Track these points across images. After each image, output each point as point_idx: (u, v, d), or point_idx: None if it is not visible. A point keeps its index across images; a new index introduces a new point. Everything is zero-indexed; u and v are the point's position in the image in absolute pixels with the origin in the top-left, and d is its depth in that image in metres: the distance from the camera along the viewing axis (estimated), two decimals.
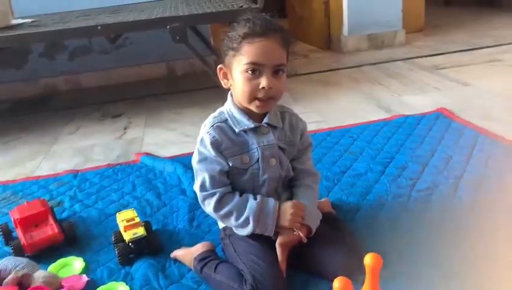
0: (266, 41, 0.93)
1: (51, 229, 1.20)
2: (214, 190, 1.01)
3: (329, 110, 2.10)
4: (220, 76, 1.03)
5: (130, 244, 1.12)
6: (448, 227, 1.14)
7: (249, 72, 0.93)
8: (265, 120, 1.02)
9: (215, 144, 1.00)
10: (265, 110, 1.00)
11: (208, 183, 1.01)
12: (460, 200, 1.26)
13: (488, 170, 1.40)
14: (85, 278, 1.06)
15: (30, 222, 1.22)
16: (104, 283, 1.06)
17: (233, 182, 1.04)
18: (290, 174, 1.09)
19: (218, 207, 1.01)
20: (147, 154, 1.75)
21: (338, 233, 1.07)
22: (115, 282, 1.06)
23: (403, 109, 1.99)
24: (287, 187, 1.11)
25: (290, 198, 1.07)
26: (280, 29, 0.96)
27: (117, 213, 1.22)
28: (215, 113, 1.05)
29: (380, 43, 3.22)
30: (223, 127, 1.01)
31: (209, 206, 1.02)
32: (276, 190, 1.07)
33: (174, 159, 1.69)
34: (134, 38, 2.85)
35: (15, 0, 2.33)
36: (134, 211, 1.22)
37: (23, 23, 2.30)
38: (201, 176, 1.02)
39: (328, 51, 3.34)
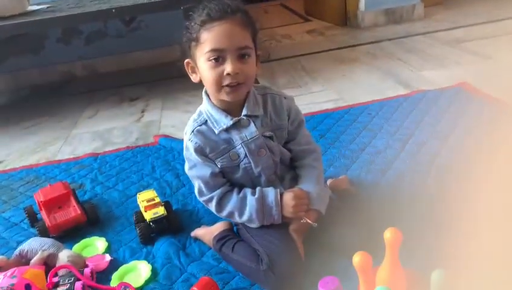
0: (225, 24, 0.89)
1: (73, 211, 1.23)
2: (211, 194, 1.00)
3: (347, 88, 2.07)
4: (189, 71, 1.00)
5: (151, 223, 1.14)
6: (468, 202, 1.12)
7: (212, 60, 0.89)
8: (243, 112, 0.98)
9: (199, 150, 0.98)
10: (238, 97, 0.95)
11: (203, 189, 1.01)
12: (482, 174, 1.23)
13: (509, 143, 1.36)
14: (108, 257, 1.09)
15: (53, 204, 1.25)
16: (126, 262, 1.08)
17: (229, 179, 1.03)
18: (287, 156, 1.06)
19: (219, 209, 1.02)
20: (165, 136, 1.76)
21: (355, 210, 1.06)
22: (137, 261, 1.08)
23: (422, 84, 1.95)
24: (289, 167, 1.08)
25: (295, 177, 1.06)
26: (239, 9, 0.91)
27: (137, 194, 1.24)
28: (195, 115, 1.03)
29: (398, 17, 3.14)
30: (203, 131, 0.99)
31: (212, 209, 1.03)
32: (276, 173, 1.04)
33: None
34: (149, 21, 2.84)
35: None
36: (154, 191, 1.24)
37: (39, 9, 2.31)
38: (196, 182, 1.02)
39: (345, 27, 3.27)
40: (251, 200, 0.98)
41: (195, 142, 0.98)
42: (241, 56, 0.91)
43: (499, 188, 1.16)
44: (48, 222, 1.20)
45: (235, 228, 1.12)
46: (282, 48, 2.96)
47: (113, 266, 1.07)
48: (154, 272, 1.04)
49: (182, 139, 1.68)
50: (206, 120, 0.99)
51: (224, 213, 1.01)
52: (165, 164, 1.54)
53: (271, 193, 0.99)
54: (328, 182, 1.23)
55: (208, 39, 0.89)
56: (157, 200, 1.19)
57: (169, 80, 2.61)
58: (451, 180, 1.23)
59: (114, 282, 1.02)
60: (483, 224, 1.02)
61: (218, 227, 1.10)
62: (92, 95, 2.51)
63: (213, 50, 0.89)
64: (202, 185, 1.01)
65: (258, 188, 1.00)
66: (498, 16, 2.88)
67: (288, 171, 1.07)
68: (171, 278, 1.01)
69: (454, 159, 1.32)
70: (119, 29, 2.84)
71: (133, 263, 1.08)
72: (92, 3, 2.28)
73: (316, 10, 3.60)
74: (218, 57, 0.89)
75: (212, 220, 1.16)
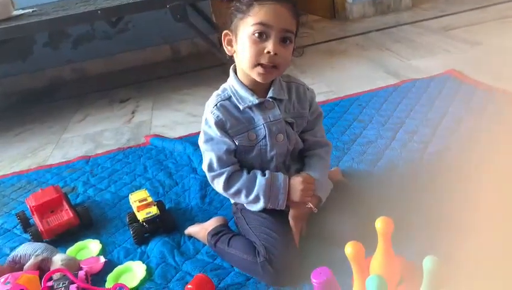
0: (277, 4, 0.90)
1: (66, 214, 1.22)
2: (221, 170, 0.99)
3: (337, 80, 2.07)
4: (224, 43, 0.98)
5: (144, 223, 1.13)
6: (461, 188, 1.13)
7: (256, 34, 0.89)
8: (269, 94, 0.98)
9: (220, 124, 0.97)
10: (267, 79, 0.95)
11: (215, 164, 0.99)
12: (473, 160, 1.23)
13: (501, 128, 1.37)
14: (102, 259, 1.08)
15: (46, 208, 1.24)
16: (121, 263, 1.08)
17: (240, 159, 1.02)
18: (299, 147, 1.06)
19: (227, 186, 1.00)
20: (156, 136, 1.76)
21: (348, 201, 1.06)
22: (131, 261, 1.08)
23: (412, 73, 1.95)
24: (297, 159, 1.08)
25: (300, 170, 1.05)
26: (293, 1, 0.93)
27: (129, 194, 1.24)
28: (219, 91, 1.02)
29: (386, 7, 3.14)
30: (226, 106, 0.98)
31: (218, 186, 1.01)
32: (285, 163, 1.05)
33: (183, 139, 1.69)
34: (136, 22, 2.83)
35: None
36: (146, 191, 1.23)
37: (24, 13, 2.29)
38: (208, 156, 1.00)
39: (333, 19, 3.27)
40: (261, 180, 0.98)
41: (217, 116, 0.97)
42: (283, 39, 0.91)
43: (490, 174, 1.17)
44: (40, 227, 1.19)
45: (230, 222, 1.12)
46: None
47: (108, 267, 1.07)
48: (149, 272, 1.03)
49: (173, 139, 1.70)
50: (230, 96, 0.99)
51: (232, 190, 1.00)
52: (157, 163, 1.54)
53: (280, 176, 0.99)
54: None
55: (258, 13, 0.89)
56: (150, 200, 1.18)
57: (159, 79, 2.61)
58: (443, 167, 1.23)
59: (109, 283, 1.01)
60: (475, 210, 1.03)
61: (212, 223, 1.10)
62: (82, 99, 2.50)
63: (260, 23, 0.89)
64: (215, 160, 0.99)
65: (267, 171, 1.00)
66: (484, 1, 2.88)
67: (295, 163, 1.08)
68: (166, 277, 1.01)
69: (445, 146, 1.32)
70: (107, 31, 2.82)
71: (128, 264, 1.07)
72: (78, 5, 2.27)
73: (305, 4, 3.58)
74: (262, 33, 0.89)
75: (206, 217, 1.16)
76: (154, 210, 1.14)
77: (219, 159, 0.98)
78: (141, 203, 1.16)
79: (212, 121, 0.97)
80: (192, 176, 1.41)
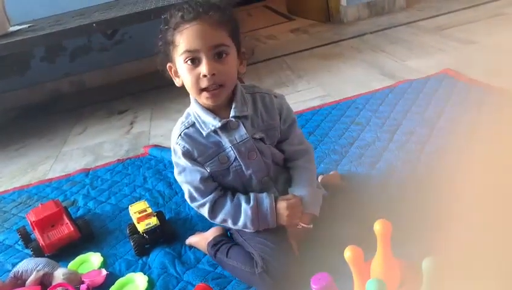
0: (196, 25, 0.87)
1: (66, 228, 1.22)
2: (203, 200, 0.98)
3: (333, 83, 2.07)
4: (172, 75, 0.98)
5: (145, 235, 1.14)
6: (459, 188, 1.13)
7: (188, 62, 0.88)
8: (231, 113, 0.94)
9: (187, 154, 0.96)
10: (217, 101, 0.92)
11: (194, 194, 0.98)
12: (471, 159, 1.24)
13: (497, 126, 1.37)
14: (104, 272, 1.08)
15: (46, 223, 1.25)
16: (123, 275, 1.08)
17: (220, 182, 1.00)
18: (280, 157, 1.03)
19: (212, 215, 0.99)
20: (155, 146, 1.76)
21: (348, 205, 1.06)
22: (133, 273, 1.08)
23: (407, 74, 1.95)
24: (283, 167, 1.06)
25: (289, 179, 1.04)
26: (211, 8, 0.89)
27: (129, 206, 1.24)
28: (183, 118, 1.00)
29: (380, 9, 3.15)
30: (190, 134, 0.96)
31: (204, 214, 1.01)
32: (269, 175, 1.01)
33: None
34: (133, 33, 2.84)
35: (10, 7, 2.34)
36: (146, 202, 1.24)
37: (20, 29, 2.30)
38: (185, 188, 0.99)
39: (328, 23, 3.28)
40: (245, 209, 0.96)
41: (183, 146, 0.95)
42: (217, 55, 0.88)
43: (489, 172, 1.17)
44: (41, 242, 1.19)
45: (228, 233, 1.12)
46: (267, 48, 2.96)
47: (110, 280, 1.07)
48: (151, 283, 1.04)
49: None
50: (194, 122, 0.96)
51: (218, 220, 0.99)
52: (156, 173, 1.54)
53: (266, 200, 0.96)
54: (319, 178, 1.23)
55: (182, 41, 0.88)
56: (149, 210, 1.18)
57: (157, 89, 2.61)
58: (441, 167, 1.23)
59: None
60: (474, 210, 1.03)
61: (212, 232, 1.10)
62: (81, 111, 2.51)
63: (186, 51, 0.88)
64: (192, 191, 0.98)
65: (252, 195, 0.97)
66: (477, 0, 2.89)
67: (282, 172, 1.05)
68: (168, 288, 1.01)
69: (442, 146, 1.33)
70: (103, 42, 2.83)
71: (130, 276, 1.07)
72: (73, 19, 2.28)
73: (299, 9, 3.60)
74: (193, 59, 0.88)
75: (207, 226, 1.16)
76: (154, 221, 1.14)
77: (196, 189, 0.97)
78: (141, 215, 1.16)
79: (179, 152, 0.96)
80: None
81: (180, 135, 0.96)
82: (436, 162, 1.26)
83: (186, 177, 0.98)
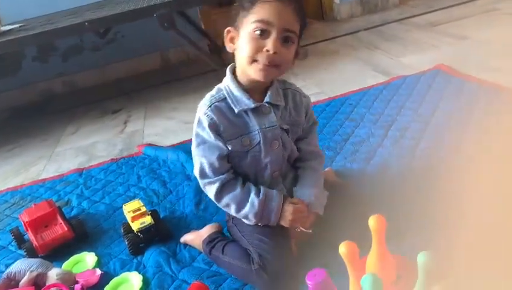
0: (280, 3, 0.88)
1: (60, 228, 1.21)
2: (214, 178, 0.96)
3: (327, 80, 2.07)
4: (227, 39, 0.96)
5: (139, 234, 1.13)
6: (454, 183, 1.13)
7: (257, 31, 0.87)
8: (266, 98, 0.95)
9: (214, 126, 0.93)
10: (266, 77, 0.91)
11: (207, 170, 0.95)
12: (464, 153, 1.24)
13: (491, 120, 1.37)
14: (98, 271, 1.08)
15: (39, 223, 1.24)
16: (117, 275, 1.07)
17: (234, 165, 0.98)
18: (295, 155, 1.04)
19: (218, 196, 0.97)
20: (149, 145, 1.75)
21: (343, 201, 1.05)
22: (128, 272, 1.07)
23: (401, 70, 1.95)
24: (292, 166, 1.07)
25: (295, 178, 1.05)
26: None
27: (123, 205, 1.23)
28: (213, 92, 0.98)
29: (373, 6, 3.15)
30: (221, 107, 0.94)
31: (210, 193, 0.99)
32: (281, 170, 1.02)
33: (176, 146, 1.69)
34: (125, 32, 2.82)
35: (1, 7, 2.32)
36: (140, 201, 1.23)
37: (11, 28, 2.28)
38: (200, 161, 0.96)
39: (322, 21, 3.28)
40: (253, 200, 0.94)
41: (211, 117, 0.93)
42: (285, 39, 0.89)
43: (483, 167, 1.17)
44: (35, 242, 1.18)
45: (225, 229, 1.11)
46: None
47: (105, 279, 1.06)
48: (146, 282, 1.03)
49: (166, 147, 1.69)
50: (226, 98, 0.95)
51: (223, 202, 0.97)
52: (150, 172, 1.53)
53: (276, 198, 0.96)
54: None
55: (260, 10, 0.88)
56: (143, 209, 1.17)
57: (150, 88, 2.60)
58: (435, 162, 1.23)
59: None
60: (468, 205, 1.03)
61: (208, 230, 1.10)
62: (74, 111, 2.49)
63: (261, 21, 0.87)
64: (206, 166, 0.95)
65: (262, 189, 0.96)
66: None
67: (291, 170, 1.06)
68: (163, 287, 1.00)
69: (437, 141, 1.33)
70: (96, 42, 2.82)
71: (124, 275, 1.06)
72: (65, 18, 2.26)
73: None
74: (263, 31, 0.87)
75: (201, 224, 1.16)
76: (148, 220, 1.14)
77: (211, 165, 0.95)
78: (135, 214, 1.16)
79: (205, 123, 0.94)
80: (186, 183, 1.41)
81: (210, 106, 0.94)
82: (431, 157, 1.26)
83: (205, 151, 0.95)
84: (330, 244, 0.94)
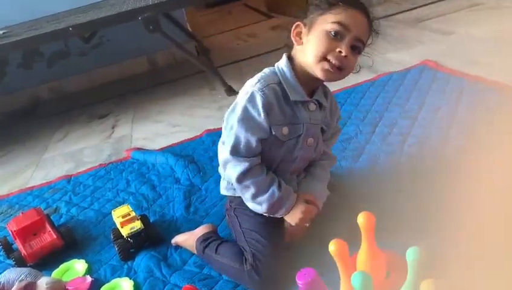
0: (361, 15, 0.91)
1: (49, 236, 1.20)
2: (245, 158, 0.93)
3: None
4: (293, 33, 0.96)
5: (129, 239, 1.12)
6: (441, 177, 1.14)
7: (332, 32, 0.89)
8: (316, 96, 0.98)
9: (267, 106, 0.91)
10: (330, 78, 0.93)
11: (242, 147, 0.92)
12: (452, 148, 1.25)
13: (477, 114, 1.39)
14: (89, 278, 1.07)
15: (28, 232, 1.22)
16: (108, 281, 1.06)
17: (264, 151, 0.96)
18: (318, 157, 1.07)
19: (241, 177, 0.94)
20: (137, 149, 1.74)
21: (332, 199, 1.06)
22: (118, 278, 1.06)
23: (387, 67, 1.96)
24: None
25: (306, 175, 1.06)
26: (372, 16, 0.95)
27: (112, 211, 1.22)
28: (267, 72, 0.97)
29: None
30: (277, 91, 0.93)
31: (232, 171, 0.94)
32: (302, 168, 1.05)
33: (164, 150, 1.68)
34: (111, 36, 2.80)
35: None
36: (129, 206, 1.22)
37: None
38: (237, 135, 0.92)
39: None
40: (274, 192, 0.94)
41: (267, 96, 0.91)
42: (353, 47, 0.91)
43: (470, 161, 1.18)
44: (23, 251, 1.17)
45: (220, 227, 1.12)
46: (249, 47, 2.95)
47: (95, 286, 1.05)
48: (137, 288, 1.02)
49: (154, 150, 1.68)
50: (280, 82, 0.95)
51: (244, 183, 0.94)
52: (139, 177, 1.52)
53: (292, 196, 0.97)
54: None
55: (341, 14, 0.89)
56: (133, 214, 1.17)
57: (137, 92, 2.59)
58: (423, 157, 1.24)
59: None
60: (456, 199, 1.03)
61: (202, 229, 1.09)
62: (61, 117, 2.46)
63: (340, 23, 0.89)
64: (243, 142, 0.92)
65: (282, 184, 0.96)
66: None
67: (304, 170, 1.08)
68: None
69: (424, 136, 1.33)
70: (81, 47, 2.79)
71: (115, 281, 1.06)
72: (49, 23, 2.24)
73: (278, 6, 3.60)
74: (338, 33, 0.89)
75: (192, 227, 1.15)
76: (138, 225, 1.13)
77: (248, 143, 0.92)
78: (124, 219, 1.15)
79: (259, 101, 0.91)
80: (176, 187, 1.40)
81: (268, 85, 0.92)
82: (419, 153, 1.26)
83: (247, 127, 0.92)
84: (320, 243, 0.95)
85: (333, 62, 0.89)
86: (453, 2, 2.73)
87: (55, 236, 1.19)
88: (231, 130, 0.94)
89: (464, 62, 1.79)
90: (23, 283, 1.03)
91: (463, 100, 1.49)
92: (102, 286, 1.05)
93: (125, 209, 1.19)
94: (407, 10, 2.82)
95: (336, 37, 0.89)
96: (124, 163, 1.66)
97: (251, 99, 0.92)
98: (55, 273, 1.14)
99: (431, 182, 1.12)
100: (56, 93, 2.89)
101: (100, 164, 1.70)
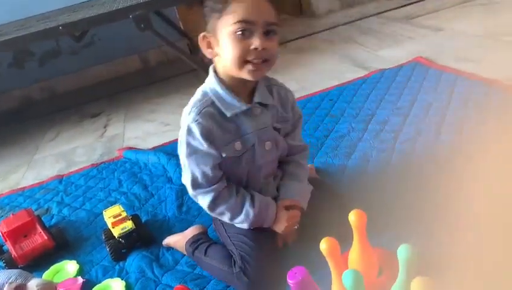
0: None
1: (40, 237, 1.19)
2: (207, 188, 0.92)
3: (307, 76, 2.07)
4: (204, 46, 0.90)
5: (121, 239, 1.11)
6: (433, 173, 1.14)
7: (239, 32, 0.83)
8: (256, 99, 0.91)
9: (206, 134, 0.88)
10: (259, 75, 0.88)
11: (200, 180, 0.91)
12: (443, 144, 1.25)
13: (468, 110, 1.39)
14: (80, 279, 1.06)
15: (18, 233, 1.21)
16: (99, 282, 1.06)
17: (226, 171, 0.94)
18: (285, 153, 1.03)
19: (212, 206, 0.94)
20: (129, 148, 1.73)
21: (324, 197, 1.05)
22: (110, 279, 1.06)
23: (379, 64, 1.96)
24: (279, 164, 1.04)
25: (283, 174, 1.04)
26: None
27: (103, 211, 1.21)
28: (198, 96, 0.92)
29: (351, 1, 3.16)
30: (211, 113, 0.89)
31: (202, 203, 0.95)
32: (273, 171, 1.01)
33: (156, 149, 1.67)
34: (102, 34, 2.78)
35: None
36: (121, 206, 1.21)
37: None
38: (191, 171, 0.92)
39: (300, 16, 3.28)
40: (248, 211, 0.93)
41: (203, 125, 0.87)
42: (267, 33, 0.84)
43: (461, 158, 1.18)
44: (14, 253, 1.16)
45: (210, 228, 1.10)
46: None
47: (87, 287, 1.05)
48: (129, 288, 1.01)
49: (146, 150, 1.67)
50: (214, 102, 0.90)
51: (217, 211, 0.94)
52: (131, 176, 1.51)
53: (271, 207, 0.95)
54: None
55: (237, 9, 0.83)
56: (124, 214, 1.16)
57: (129, 91, 2.57)
58: (415, 154, 1.24)
59: None
60: (448, 196, 1.04)
61: (192, 231, 1.08)
62: (53, 117, 2.45)
63: (242, 21, 0.82)
64: (199, 176, 0.91)
65: (257, 198, 0.94)
66: None
67: (278, 168, 1.04)
68: None
69: (416, 133, 1.34)
70: (72, 46, 2.77)
71: (106, 282, 1.05)
72: (39, 22, 2.22)
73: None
74: (245, 30, 0.83)
75: (184, 227, 1.14)
76: (129, 225, 1.12)
77: (204, 174, 0.91)
78: (116, 219, 1.14)
79: (197, 132, 0.88)
80: (168, 186, 1.39)
81: (200, 112, 0.88)
82: (411, 150, 1.27)
83: (198, 160, 0.90)
84: (311, 241, 0.94)
85: (255, 61, 0.84)
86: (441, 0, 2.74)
87: (46, 237, 1.18)
88: (185, 167, 0.93)
89: (455, 58, 1.79)
90: (13, 285, 1.02)
91: (454, 97, 1.49)
92: (93, 286, 1.04)
93: (116, 209, 1.19)
94: (399, 7, 2.82)
95: (244, 35, 0.83)
96: (116, 162, 1.65)
97: (189, 132, 0.90)
98: (46, 274, 1.13)
99: (423, 180, 1.12)
100: (48, 93, 2.87)
101: (92, 164, 1.69)
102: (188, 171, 0.92)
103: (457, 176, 1.10)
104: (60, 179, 1.63)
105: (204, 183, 0.92)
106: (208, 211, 0.96)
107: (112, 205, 1.31)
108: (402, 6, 2.81)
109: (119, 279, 1.04)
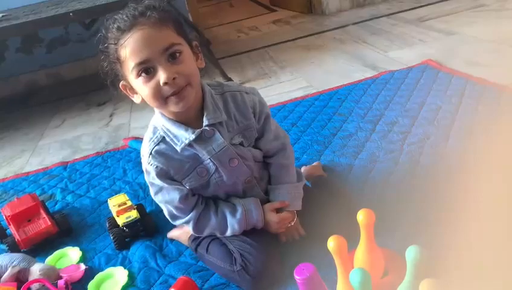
0: (138, 31, 0.77)
1: (43, 223, 1.19)
2: (185, 218, 0.93)
3: (315, 74, 2.06)
4: (128, 93, 0.87)
5: (125, 228, 1.11)
6: (441, 177, 1.13)
7: (142, 74, 0.78)
8: (204, 122, 0.85)
9: (162, 174, 0.87)
10: (188, 103, 0.81)
11: (175, 213, 0.93)
12: (452, 149, 1.24)
13: (478, 115, 1.38)
14: (83, 266, 1.06)
15: (22, 218, 1.21)
16: (102, 270, 1.06)
17: (203, 194, 0.95)
18: (260, 157, 0.98)
19: (197, 231, 0.96)
20: (135, 138, 1.72)
21: (331, 195, 1.05)
22: (113, 267, 1.05)
23: (389, 65, 1.96)
24: (265, 164, 1.01)
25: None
26: (149, 7, 0.80)
27: (108, 199, 1.21)
28: (150, 133, 0.89)
29: (362, 0, 3.15)
30: (163, 150, 0.87)
31: (187, 229, 0.98)
32: (252, 176, 0.96)
33: None
34: None
35: None
36: (126, 195, 1.21)
37: None
38: (164, 207, 0.94)
39: (310, 14, 3.27)
40: (233, 225, 0.93)
41: (156, 166, 0.87)
42: (171, 57, 0.78)
43: (470, 161, 1.17)
44: (17, 237, 1.16)
45: None
46: (249, 40, 2.93)
47: (89, 275, 1.04)
48: (132, 277, 1.01)
49: None
50: (164, 137, 0.87)
51: (205, 234, 0.96)
52: (136, 166, 1.51)
53: (255, 212, 0.94)
54: (302, 169, 1.22)
55: (128, 55, 0.77)
56: (129, 203, 1.16)
57: None
58: (423, 156, 1.24)
59: None
60: (457, 198, 1.03)
61: None
62: (59, 104, 2.45)
63: (137, 64, 0.77)
64: (173, 210, 0.92)
65: (238, 206, 0.94)
66: None
67: (265, 168, 1.01)
68: (149, 282, 0.99)
69: (424, 135, 1.33)
70: (81, 33, 2.76)
71: (109, 270, 1.05)
72: (49, 8, 2.21)
73: (281, 0, 3.58)
74: (147, 69, 0.78)
75: None
76: (134, 214, 1.12)
77: (176, 208, 0.92)
78: (120, 208, 1.14)
79: (153, 173, 0.87)
80: None
81: (150, 153, 0.87)
82: (419, 152, 1.26)
83: (164, 197, 0.91)
84: (318, 239, 0.94)
85: (172, 95, 0.79)
86: (456, 3, 2.72)
87: (49, 223, 1.18)
88: (158, 204, 0.95)
89: (466, 63, 1.78)
90: (16, 269, 1.02)
91: (464, 100, 1.48)
92: (96, 274, 1.04)
93: (121, 198, 1.18)
94: (410, 9, 2.80)
95: (149, 74, 0.78)
96: (121, 152, 1.65)
97: (148, 175, 0.90)
98: (49, 260, 1.13)
99: (431, 182, 1.12)
100: (54, 80, 2.87)
101: (97, 152, 1.69)
102: (162, 207, 0.95)
103: (465, 179, 1.09)
104: (64, 165, 1.63)
105: (181, 214, 0.93)
106: (198, 235, 0.98)
107: (116, 194, 1.31)
108: (414, 8, 2.79)
109: (122, 268, 1.04)
